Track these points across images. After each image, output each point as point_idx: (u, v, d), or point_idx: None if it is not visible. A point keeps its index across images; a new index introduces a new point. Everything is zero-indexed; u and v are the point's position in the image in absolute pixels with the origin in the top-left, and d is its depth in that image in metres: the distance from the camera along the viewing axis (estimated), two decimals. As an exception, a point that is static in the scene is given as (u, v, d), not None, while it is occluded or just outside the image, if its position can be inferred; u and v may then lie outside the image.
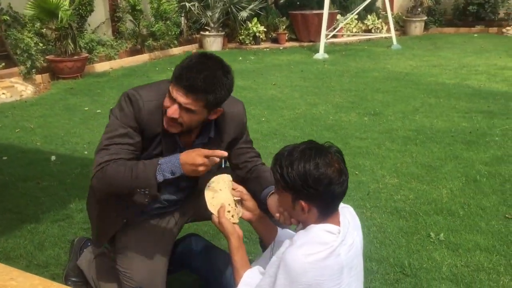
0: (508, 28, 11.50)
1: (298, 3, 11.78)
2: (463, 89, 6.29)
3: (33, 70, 7.13)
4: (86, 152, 4.39)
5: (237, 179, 1.94)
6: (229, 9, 10.65)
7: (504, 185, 3.46)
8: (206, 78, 1.74)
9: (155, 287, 2.04)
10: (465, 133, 4.58)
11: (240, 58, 9.24)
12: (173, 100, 1.78)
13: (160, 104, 1.85)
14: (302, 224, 1.66)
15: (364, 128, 4.83)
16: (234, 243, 1.73)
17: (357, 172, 3.70)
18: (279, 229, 1.92)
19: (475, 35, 11.51)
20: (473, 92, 6.08)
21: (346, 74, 7.49)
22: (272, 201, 1.81)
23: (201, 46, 10.89)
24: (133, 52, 9.58)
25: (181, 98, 1.76)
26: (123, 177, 1.79)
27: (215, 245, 2.28)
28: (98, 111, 5.81)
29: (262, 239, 1.96)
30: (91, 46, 8.46)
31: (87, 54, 7.99)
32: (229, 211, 1.79)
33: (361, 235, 1.71)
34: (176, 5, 10.02)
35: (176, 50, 10.20)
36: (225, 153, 1.75)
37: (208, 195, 1.81)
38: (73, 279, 2.37)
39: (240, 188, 1.84)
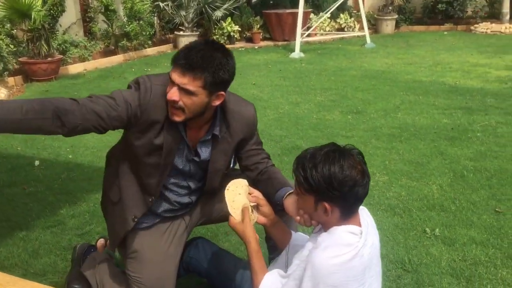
0: (476, 25, 11.80)
1: (271, 2, 11.81)
2: (440, 86, 6.43)
3: (5, 73, 6.94)
4: (70, 156, 4.30)
5: (248, 181, 1.94)
6: (203, 9, 10.59)
7: (490, 179, 3.55)
8: (203, 56, 1.74)
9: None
10: (447, 129, 4.68)
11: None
12: (172, 83, 1.77)
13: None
14: (323, 226, 1.67)
15: (348, 126, 4.89)
16: (254, 246, 1.75)
17: (347, 170, 3.74)
18: (293, 232, 1.94)
19: (445, 32, 11.78)
20: (450, 89, 6.23)
21: (324, 73, 7.55)
22: (290, 203, 1.82)
23: (175, 46, 10.79)
24: (107, 53, 9.42)
25: (179, 79, 1.75)
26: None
27: (222, 248, 2.27)
28: (77, 113, 5.69)
29: (276, 243, 1.96)
30: (64, 47, 8.28)
31: (61, 56, 7.81)
32: (249, 217, 1.82)
33: (378, 235, 1.73)
34: (149, 5, 9.90)
35: (151, 51, 10.08)
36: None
37: (229, 197, 1.83)
38: (76, 286, 2.31)
39: (257, 193, 1.85)
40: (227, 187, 1.85)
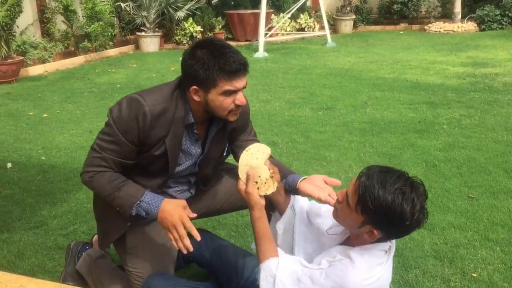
0: (429, 25, 12.24)
1: (232, 3, 11.86)
2: (403, 82, 6.66)
3: (-37, 75, 6.70)
4: (43, 158, 4.21)
5: None
6: (165, 10, 10.53)
7: (461, 168, 3.73)
8: (240, 53, 1.79)
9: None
10: (415, 123, 4.87)
11: (181, 58, 9.15)
12: (235, 92, 1.78)
13: (166, 108, 1.84)
14: (352, 235, 1.68)
15: (321, 122, 5.00)
16: (256, 213, 1.70)
17: (324, 164, 3.84)
18: (292, 196, 1.97)
19: (401, 32, 12.16)
20: (412, 85, 6.46)
21: (290, 71, 7.67)
22: (306, 187, 1.87)
23: (137, 47, 10.68)
24: (67, 54, 9.22)
25: (242, 83, 1.79)
26: (105, 194, 1.88)
27: (223, 238, 2.31)
28: (44, 115, 5.57)
29: (277, 207, 1.97)
30: (23, 48, 8.06)
31: (22, 57, 7.60)
32: (256, 182, 1.73)
33: None
34: (110, 5, 9.76)
35: (112, 52, 9.94)
36: (191, 249, 1.82)
37: (243, 159, 1.76)
38: (70, 283, 2.29)
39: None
40: (246, 149, 1.78)
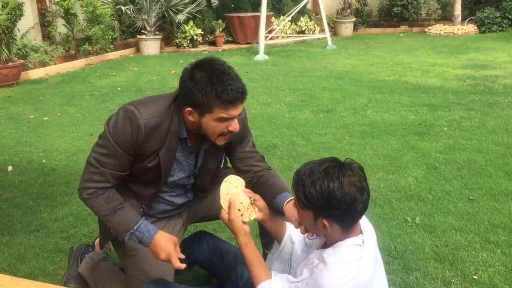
0: (430, 27, 12.26)
1: (232, 6, 11.88)
2: (403, 85, 6.66)
3: (-36, 78, 6.71)
4: (44, 161, 4.22)
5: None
6: (166, 13, 10.55)
7: (461, 170, 3.73)
8: (241, 82, 1.77)
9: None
10: (415, 125, 4.87)
11: (181, 61, 9.18)
12: (230, 119, 1.78)
13: (160, 121, 1.84)
14: (326, 238, 1.68)
15: (321, 124, 5.00)
16: (242, 239, 1.75)
17: (325, 166, 3.84)
18: (287, 224, 1.96)
19: (401, 34, 12.18)
20: (412, 88, 6.46)
21: (290, 74, 7.68)
22: (290, 210, 1.85)
23: (138, 50, 10.69)
24: (68, 57, 9.23)
25: (238, 111, 1.79)
26: (100, 214, 1.90)
27: (225, 241, 2.31)
28: (45, 118, 5.58)
29: (273, 236, 1.98)
30: (24, 52, 8.07)
31: (23, 61, 7.61)
32: (239, 209, 1.81)
33: (371, 227, 1.74)
34: (111, 8, 9.77)
35: (113, 55, 9.95)
36: (182, 266, 1.84)
37: (223, 189, 1.82)
38: (73, 285, 2.29)
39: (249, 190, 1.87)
40: (225, 179, 1.84)
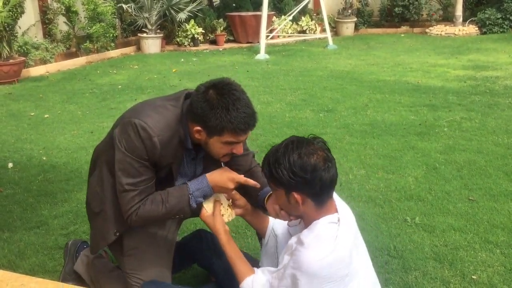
0: (431, 28, 12.27)
1: (234, 5, 11.88)
2: (403, 85, 6.67)
3: (-35, 75, 6.72)
4: (44, 158, 4.22)
5: None
6: (167, 11, 10.55)
7: (461, 170, 3.73)
8: (254, 109, 1.79)
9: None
10: (415, 125, 4.87)
11: (182, 59, 9.20)
12: (238, 143, 1.82)
13: (172, 136, 1.83)
14: (303, 219, 1.72)
15: (321, 124, 5.01)
16: (224, 237, 1.82)
17: (325, 166, 3.84)
18: (270, 218, 1.99)
19: (402, 35, 12.18)
20: (413, 88, 6.46)
21: (291, 74, 7.68)
22: (270, 205, 1.89)
23: (139, 48, 10.69)
24: (69, 55, 9.25)
25: (247, 135, 1.83)
26: (158, 214, 1.85)
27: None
28: (46, 115, 5.58)
29: (257, 230, 2.03)
30: (25, 49, 8.07)
31: (24, 58, 7.62)
32: (221, 210, 1.89)
33: (349, 208, 1.77)
34: (112, 6, 9.78)
35: (114, 53, 9.96)
36: (258, 185, 1.87)
37: None
38: (70, 283, 2.30)
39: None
40: None
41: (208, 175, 1.86)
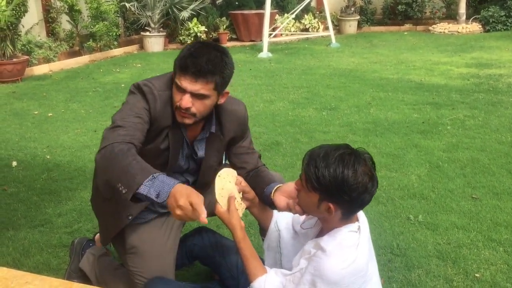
0: (434, 26, 12.23)
1: (236, 3, 11.87)
2: (407, 83, 6.66)
3: (-31, 74, 6.75)
4: (48, 156, 4.24)
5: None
6: (170, 10, 10.56)
7: (464, 169, 3.73)
8: (208, 60, 1.78)
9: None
10: (418, 123, 4.87)
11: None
12: (183, 91, 1.80)
13: (170, 94, 1.88)
14: (322, 222, 1.71)
15: (324, 122, 5.01)
16: (239, 234, 1.76)
17: (328, 164, 3.84)
18: (275, 212, 1.98)
19: (405, 33, 12.15)
20: (416, 86, 6.46)
21: (294, 72, 7.68)
22: (281, 197, 1.87)
23: (142, 47, 10.70)
24: (72, 54, 9.26)
25: (191, 86, 1.79)
26: (119, 164, 1.61)
27: (226, 237, 2.32)
28: (49, 114, 5.60)
29: (260, 222, 2.01)
30: (28, 48, 8.09)
31: (27, 57, 7.64)
32: (235, 206, 1.82)
33: (365, 217, 1.75)
34: (115, 5, 9.79)
35: (117, 52, 9.97)
36: (205, 222, 1.55)
37: (218, 184, 1.80)
38: (75, 280, 2.31)
39: (240, 178, 1.87)
40: (218, 174, 1.81)
41: (178, 185, 1.56)
